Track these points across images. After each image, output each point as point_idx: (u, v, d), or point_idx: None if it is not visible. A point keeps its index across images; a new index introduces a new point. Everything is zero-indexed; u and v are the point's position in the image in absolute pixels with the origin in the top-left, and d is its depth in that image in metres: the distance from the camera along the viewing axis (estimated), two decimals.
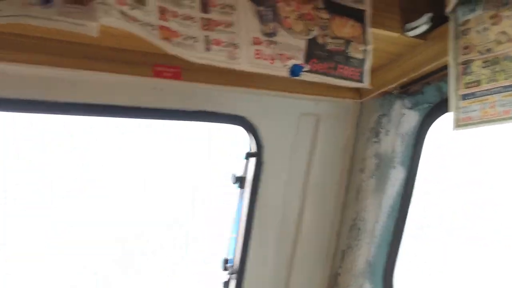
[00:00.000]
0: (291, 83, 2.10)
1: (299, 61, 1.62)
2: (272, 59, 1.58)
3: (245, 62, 1.54)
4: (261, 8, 1.57)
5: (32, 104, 1.64)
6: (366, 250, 2.40)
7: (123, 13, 1.28)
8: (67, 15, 1.16)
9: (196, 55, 1.46)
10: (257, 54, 1.56)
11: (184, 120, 2.06)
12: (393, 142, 2.29)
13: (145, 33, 1.34)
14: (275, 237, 2.34)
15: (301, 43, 1.64)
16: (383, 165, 2.32)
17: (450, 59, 1.76)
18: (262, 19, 1.57)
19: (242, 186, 2.22)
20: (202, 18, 1.48)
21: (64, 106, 1.69)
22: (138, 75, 1.75)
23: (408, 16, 1.88)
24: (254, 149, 2.18)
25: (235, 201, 2.23)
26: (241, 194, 2.25)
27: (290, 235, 2.39)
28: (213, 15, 1.50)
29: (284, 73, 1.62)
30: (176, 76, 1.82)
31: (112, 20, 1.24)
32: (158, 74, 1.78)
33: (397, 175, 2.30)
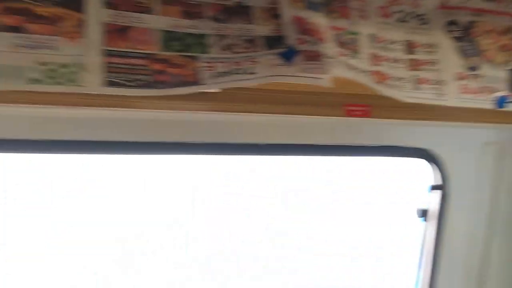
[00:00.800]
0: (471, 112, 2.03)
1: (505, 92, 1.59)
2: (478, 93, 1.58)
3: (452, 98, 1.56)
4: (462, 44, 1.59)
5: (233, 147, 1.80)
6: None
7: (345, 64, 1.38)
8: (307, 71, 1.29)
9: (406, 95, 1.51)
10: (463, 89, 1.56)
11: (367, 156, 2.11)
12: None
13: (363, 78, 1.43)
14: (462, 273, 2.25)
15: (503, 74, 1.61)
16: None
17: None
18: (463, 54, 1.59)
19: (426, 219, 2.19)
20: (408, 59, 1.53)
21: (267, 147, 1.83)
22: (332, 116, 1.85)
23: None
24: (438, 181, 2.14)
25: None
26: (425, 228, 2.21)
27: (477, 271, 2.28)
28: (418, 55, 1.55)
29: (490, 105, 1.60)
30: (366, 114, 1.87)
31: (340, 71, 1.35)
32: (350, 114, 1.85)
33: None
